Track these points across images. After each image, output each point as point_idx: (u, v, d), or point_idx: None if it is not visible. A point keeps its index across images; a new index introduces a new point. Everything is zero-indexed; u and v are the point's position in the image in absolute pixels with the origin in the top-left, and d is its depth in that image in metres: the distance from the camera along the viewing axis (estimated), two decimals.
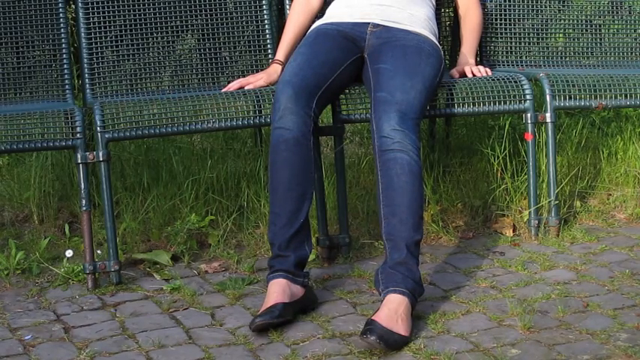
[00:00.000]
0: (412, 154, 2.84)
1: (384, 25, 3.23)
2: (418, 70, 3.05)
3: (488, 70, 3.46)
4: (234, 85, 3.33)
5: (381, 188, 2.84)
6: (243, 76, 3.40)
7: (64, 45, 3.51)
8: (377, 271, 2.81)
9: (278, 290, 2.82)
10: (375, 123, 2.89)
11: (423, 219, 2.92)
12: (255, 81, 3.31)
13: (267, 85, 3.29)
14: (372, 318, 2.65)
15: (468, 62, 3.48)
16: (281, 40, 3.39)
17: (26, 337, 2.75)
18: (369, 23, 3.24)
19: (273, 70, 3.33)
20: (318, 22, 3.33)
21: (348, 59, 3.16)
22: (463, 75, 3.43)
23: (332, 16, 3.32)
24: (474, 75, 3.42)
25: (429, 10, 3.33)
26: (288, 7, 3.60)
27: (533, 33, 3.82)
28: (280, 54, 3.36)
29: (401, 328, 2.64)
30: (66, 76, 3.49)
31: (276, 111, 2.93)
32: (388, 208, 2.82)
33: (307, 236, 2.94)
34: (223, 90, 3.31)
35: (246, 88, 3.29)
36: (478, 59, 3.69)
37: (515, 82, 3.39)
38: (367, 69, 3.12)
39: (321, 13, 3.43)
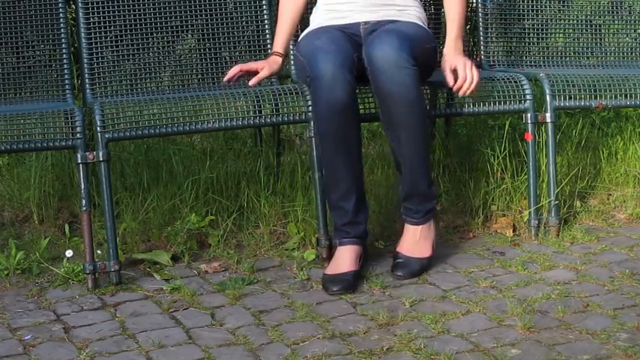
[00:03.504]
0: (407, 72, 2.94)
1: (375, 21, 3.22)
2: (409, 30, 3.12)
3: (475, 74, 3.16)
4: (233, 71, 3.26)
5: (385, 127, 3.07)
6: (243, 76, 3.39)
7: (63, 45, 3.50)
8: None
9: (352, 257, 3.08)
10: (367, 58, 2.99)
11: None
12: (257, 67, 3.26)
13: (270, 76, 3.27)
14: (397, 250, 3.15)
15: (454, 53, 3.21)
16: (277, 32, 3.36)
17: (26, 337, 2.75)
18: (359, 22, 3.23)
19: (274, 61, 3.30)
20: (306, 30, 3.31)
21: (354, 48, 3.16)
22: (454, 71, 3.21)
23: (319, 23, 3.30)
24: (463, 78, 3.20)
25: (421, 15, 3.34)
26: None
27: (533, 33, 3.82)
28: (278, 45, 3.33)
29: (422, 251, 3.13)
30: (66, 76, 3.49)
31: (324, 79, 2.97)
32: (395, 141, 3.07)
33: (365, 198, 3.20)
34: (225, 79, 3.25)
35: (250, 83, 3.24)
36: (478, 59, 3.69)
37: (515, 82, 3.39)
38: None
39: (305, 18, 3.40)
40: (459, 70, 3.13)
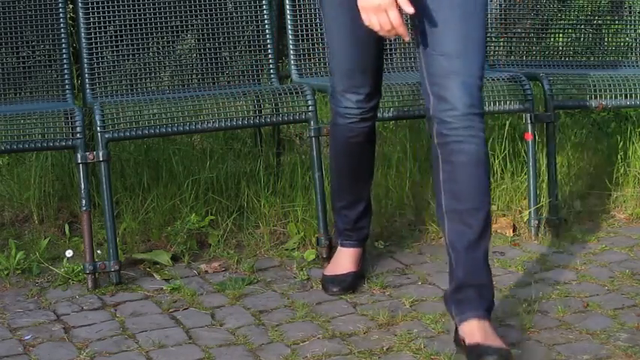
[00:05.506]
0: (479, 140, 2.48)
1: None
2: (474, 11, 2.51)
3: None
4: None
5: (442, 179, 2.51)
6: (244, 76, 3.38)
7: (63, 45, 3.50)
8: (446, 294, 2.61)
9: (352, 258, 3.06)
10: (432, 104, 2.51)
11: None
12: None
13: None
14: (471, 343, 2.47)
15: None
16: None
17: (26, 337, 2.75)
18: None
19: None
20: None
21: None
22: None
23: None
24: None
25: None
26: (288, 7, 3.59)
27: (533, 33, 3.82)
28: None
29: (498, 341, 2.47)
30: (66, 76, 3.49)
31: (348, 118, 2.90)
32: (452, 212, 2.51)
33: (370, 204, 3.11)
34: None
35: None
36: None
37: (515, 82, 3.39)
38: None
39: None
40: None
